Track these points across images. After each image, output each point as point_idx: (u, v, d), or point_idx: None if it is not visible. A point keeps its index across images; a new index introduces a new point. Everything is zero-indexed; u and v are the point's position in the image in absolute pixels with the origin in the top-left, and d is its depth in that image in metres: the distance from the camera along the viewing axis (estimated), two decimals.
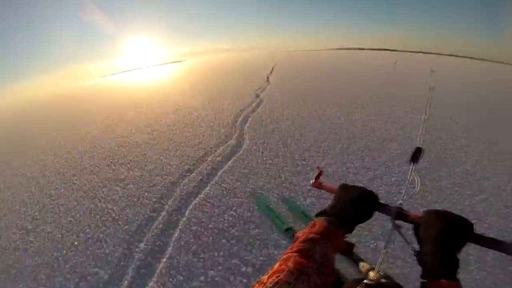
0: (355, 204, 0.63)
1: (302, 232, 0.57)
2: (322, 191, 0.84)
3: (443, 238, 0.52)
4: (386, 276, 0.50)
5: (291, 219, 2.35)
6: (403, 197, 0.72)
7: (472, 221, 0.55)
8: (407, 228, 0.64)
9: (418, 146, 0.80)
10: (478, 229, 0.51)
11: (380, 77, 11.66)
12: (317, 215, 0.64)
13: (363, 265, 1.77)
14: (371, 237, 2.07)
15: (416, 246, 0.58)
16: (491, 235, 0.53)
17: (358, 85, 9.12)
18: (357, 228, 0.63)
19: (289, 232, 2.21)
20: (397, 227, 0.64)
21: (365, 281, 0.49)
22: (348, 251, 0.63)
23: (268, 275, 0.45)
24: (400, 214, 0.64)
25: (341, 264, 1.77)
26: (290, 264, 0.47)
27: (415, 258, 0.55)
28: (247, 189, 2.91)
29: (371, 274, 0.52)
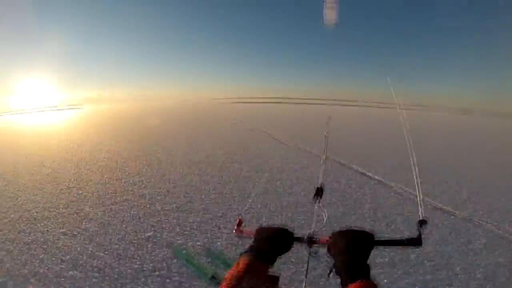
0: (272, 240, 0.73)
1: (229, 272, 0.62)
2: (244, 236, 0.88)
3: (349, 249, 0.64)
4: None
5: (215, 267, 2.35)
6: (313, 227, 0.89)
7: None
8: (323, 252, 0.76)
9: (318, 186, 1.03)
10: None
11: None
12: (240, 255, 0.69)
13: None
14: (294, 267, 2.26)
15: (332, 262, 0.68)
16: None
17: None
18: (280, 260, 0.71)
19: (214, 279, 2.16)
20: (314, 253, 0.77)
21: None
22: (273, 283, 0.69)
23: None
24: (312, 241, 0.77)
25: None
26: None
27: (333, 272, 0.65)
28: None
29: None
